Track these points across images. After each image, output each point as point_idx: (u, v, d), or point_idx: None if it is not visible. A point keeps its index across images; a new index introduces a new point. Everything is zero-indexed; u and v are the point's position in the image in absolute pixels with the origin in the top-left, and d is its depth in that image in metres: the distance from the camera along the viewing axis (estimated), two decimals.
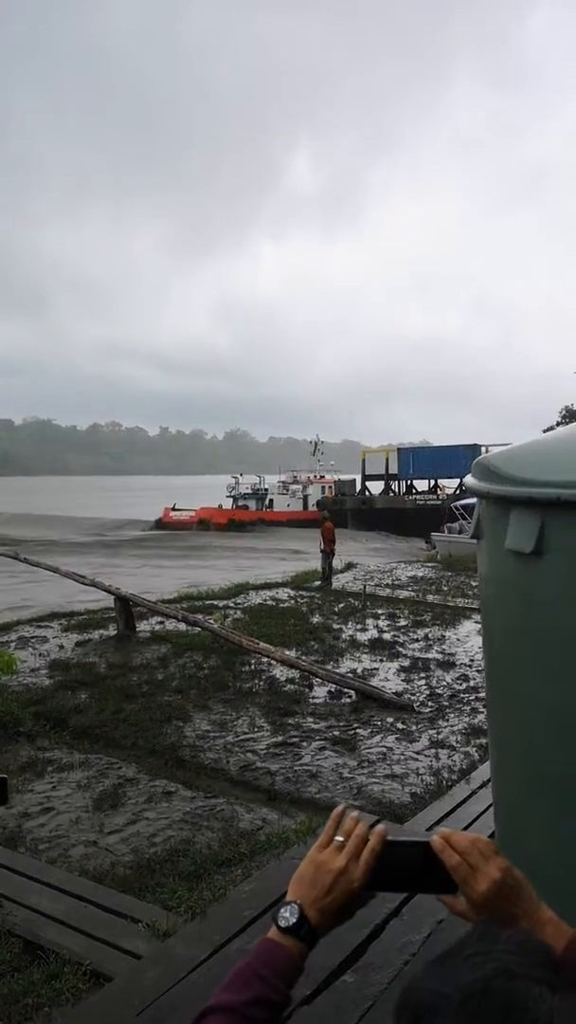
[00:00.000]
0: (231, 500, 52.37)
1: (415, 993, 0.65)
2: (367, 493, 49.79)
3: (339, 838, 0.92)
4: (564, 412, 35.75)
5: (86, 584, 11.23)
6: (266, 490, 53.05)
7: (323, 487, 51.25)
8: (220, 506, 50.35)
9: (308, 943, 0.88)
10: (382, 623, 11.90)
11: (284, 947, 0.87)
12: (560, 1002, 0.58)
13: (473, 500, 2.28)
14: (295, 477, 54.60)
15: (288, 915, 0.88)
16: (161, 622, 11.30)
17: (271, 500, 51.40)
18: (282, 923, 0.88)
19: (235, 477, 55.17)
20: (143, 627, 11.13)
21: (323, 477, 53.76)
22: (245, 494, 52.76)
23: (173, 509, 48.19)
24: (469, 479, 2.21)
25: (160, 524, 46.37)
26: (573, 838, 1.94)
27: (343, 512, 43.27)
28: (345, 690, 7.89)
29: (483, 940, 0.68)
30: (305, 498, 50.12)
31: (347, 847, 0.91)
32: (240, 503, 51.63)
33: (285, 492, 51.93)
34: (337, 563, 18.30)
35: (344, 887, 0.89)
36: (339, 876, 0.89)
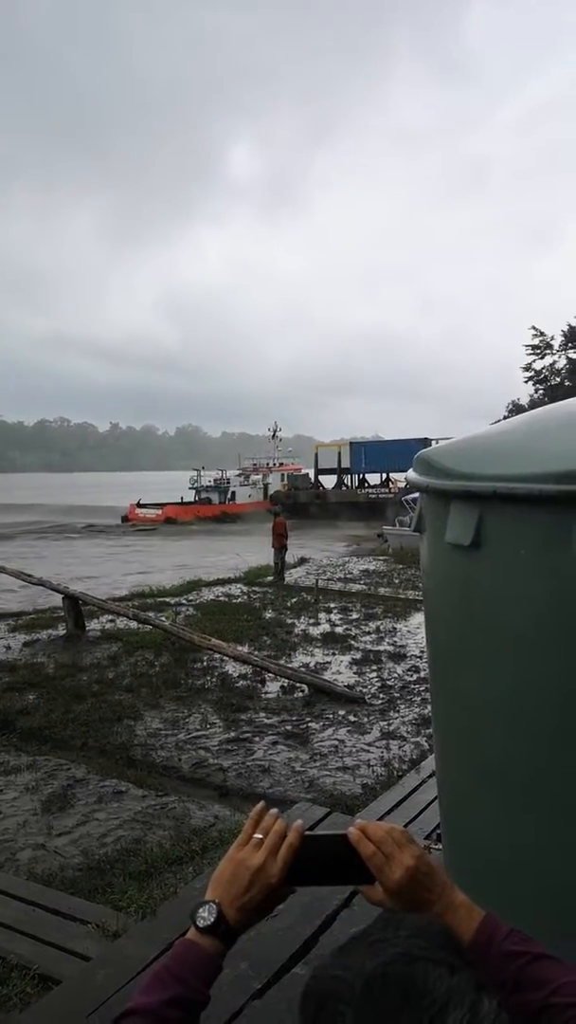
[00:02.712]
0: (194, 492, 51.65)
1: (319, 981, 0.66)
2: (320, 487, 49.95)
3: (258, 835, 0.92)
4: (511, 406, 36.50)
5: (33, 583, 11.03)
6: (228, 481, 52.50)
7: (282, 474, 50.84)
8: (182, 499, 49.63)
9: (226, 942, 0.88)
10: (334, 617, 12.00)
11: (201, 947, 0.86)
12: (458, 982, 0.61)
13: None
14: (255, 465, 54.06)
15: (206, 914, 0.88)
16: (112, 620, 11.18)
17: (233, 492, 50.64)
18: (200, 923, 0.88)
19: (197, 470, 54.37)
20: (93, 626, 11.00)
21: (282, 464, 53.37)
22: (208, 487, 52.15)
23: (139, 505, 47.09)
24: (410, 473, 2.23)
25: (126, 521, 45.43)
26: (516, 826, 1.98)
27: (296, 506, 43.31)
28: (297, 684, 7.93)
29: (386, 927, 0.71)
30: (266, 487, 49.70)
31: (265, 844, 0.91)
32: (203, 496, 50.89)
33: (246, 483, 51.49)
34: (290, 558, 18.35)
35: (262, 884, 0.89)
36: (257, 873, 0.89)
